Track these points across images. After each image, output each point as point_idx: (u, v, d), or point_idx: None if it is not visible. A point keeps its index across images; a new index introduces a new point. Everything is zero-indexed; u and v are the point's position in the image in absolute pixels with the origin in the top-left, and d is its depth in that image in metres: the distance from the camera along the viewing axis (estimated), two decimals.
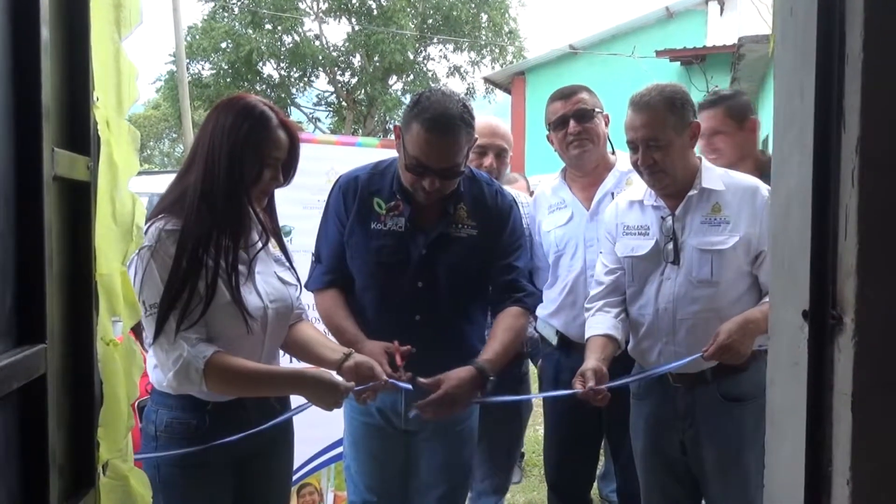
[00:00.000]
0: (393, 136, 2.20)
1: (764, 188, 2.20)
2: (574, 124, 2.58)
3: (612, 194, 2.61)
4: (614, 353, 2.26)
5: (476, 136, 2.25)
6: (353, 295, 2.22)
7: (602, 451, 3.04)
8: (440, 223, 2.16)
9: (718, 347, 2.04)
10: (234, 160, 1.78)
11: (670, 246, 2.22)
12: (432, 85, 21.67)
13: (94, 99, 1.33)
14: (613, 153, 2.73)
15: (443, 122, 1.99)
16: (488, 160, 2.76)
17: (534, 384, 3.29)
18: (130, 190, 1.46)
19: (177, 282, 1.72)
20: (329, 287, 2.21)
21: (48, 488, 1.20)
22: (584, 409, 2.47)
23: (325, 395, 1.84)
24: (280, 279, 1.97)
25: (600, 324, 2.31)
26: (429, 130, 1.99)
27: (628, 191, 2.44)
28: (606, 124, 2.67)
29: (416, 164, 2.03)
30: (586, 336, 2.32)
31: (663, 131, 2.15)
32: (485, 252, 2.20)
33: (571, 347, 2.64)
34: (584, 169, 2.66)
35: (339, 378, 1.89)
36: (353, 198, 2.19)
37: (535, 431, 4.83)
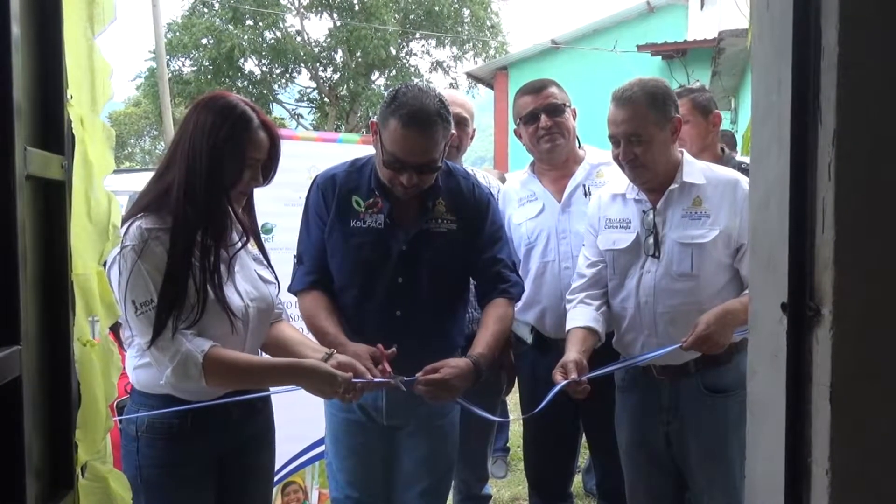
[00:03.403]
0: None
1: (744, 182, 2.21)
2: (545, 118, 2.59)
3: (584, 186, 2.63)
4: (594, 345, 2.27)
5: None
6: (334, 293, 2.21)
7: (586, 446, 3.05)
8: (419, 219, 2.16)
9: (697, 338, 2.05)
10: (214, 160, 1.77)
11: (651, 239, 2.23)
12: (413, 80, 21.65)
13: (68, 97, 1.31)
14: (581, 147, 2.74)
15: (420, 117, 1.98)
16: None
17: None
18: (106, 188, 1.44)
19: (173, 281, 1.72)
20: (312, 288, 2.20)
21: (25, 491, 1.18)
22: (562, 405, 2.48)
23: (322, 385, 1.85)
24: (260, 277, 1.96)
25: (581, 316, 2.32)
26: (406, 126, 1.98)
27: (611, 184, 2.45)
28: (574, 118, 2.68)
29: (393, 160, 2.03)
30: (567, 328, 2.33)
31: (644, 127, 2.16)
32: (466, 246, 2.21)
33: (547, 345, 2.63)
34: (555, 162, 2.67)
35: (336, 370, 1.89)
36: (332, 196, 2.18)
37: (520, 426, 4.84)
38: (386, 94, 2.18)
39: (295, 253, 2.31)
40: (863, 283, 1.01)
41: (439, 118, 2.01)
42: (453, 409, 2.29)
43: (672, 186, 2.23)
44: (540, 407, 2.13)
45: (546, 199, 2.67)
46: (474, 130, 2.92)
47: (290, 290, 2.24)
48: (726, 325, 2.07)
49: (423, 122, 1.99)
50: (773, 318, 1.15)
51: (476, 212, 2.24)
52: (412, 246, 2.14)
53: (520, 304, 2.65)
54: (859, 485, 1.03)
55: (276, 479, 2.83)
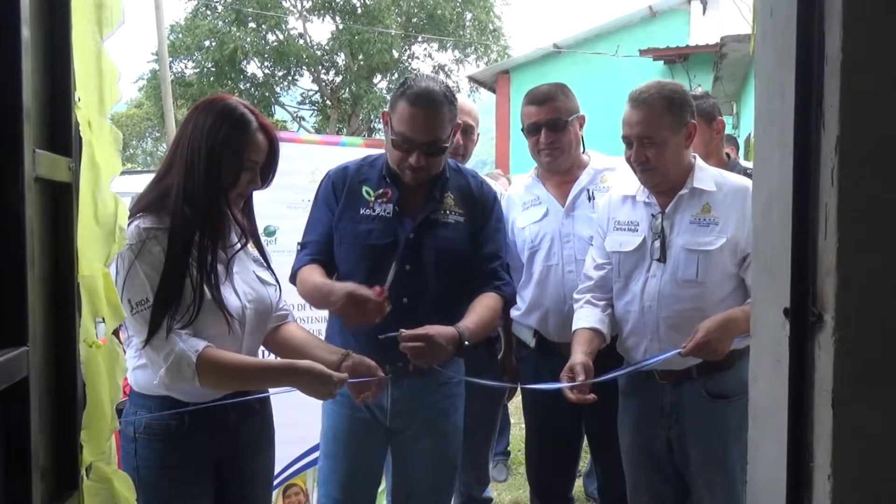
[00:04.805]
0: (378, 136, 2.22)
1: None
2: (545, 133, 2.57)
3: (588, 191, 2.62)
4: (600, 346, 2.28)
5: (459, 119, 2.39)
6: (331, 273, 2.23)
7: (587, 450, 3.05)
8: (427, 207, 2.21)
9: (696, 345, 2.06)
10: (212, 162, 1.79)
11: (657, 244, 2.23)
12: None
13: (76, 99, 1.32)
14: (585, 152, 2.74)
15: (426, 96, 2.10)
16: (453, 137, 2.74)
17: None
18: (113, 191, 1.45)
19: (170, 281, 1.73)
20: (309, 263, 2.21)
21: (31, 492, 1.19)
22: (565, 409, 2.48)
23: (318, 387, 1.85)
24: (259, 279, 1.97)
25: (587, 317, 2.32)
26: (413, 105, 2.09)
27: (622, 185, 2.44)
28: (581, 126, 2.66)
29: (402, 140, 2.11)
30: (573, 328, 2.33)
31: (658, 130, 2.16)
32: (471, 238, 2.25)
33: (550, 349, 2.63)
34: (556, 172, 2.68)
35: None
36: (342, 185, 2.24)
37: (520, 430, 4.84)
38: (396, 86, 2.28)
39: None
40: (865, 289, 1.01)
41: (445, 99, 2.12)
42: (456, 412, 2.30)
43: (682, 191, 2.23)
44: (540, 386, 2.13)
45: (550, 204, 2.67)
46: (479, 135, 2.93)
47: (291, 276, 2.24)
48: (727, 333, 2.07)
49: (430, 101, 2.10)
50: (776, 324, 1.16)
51: (482, 206, 2.31)
52: (419, 234, 2.18)
53: (523, 307, 2.66)
54: (861, 490, 1.03)
55: (277, 481, 2.83)
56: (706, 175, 2.26)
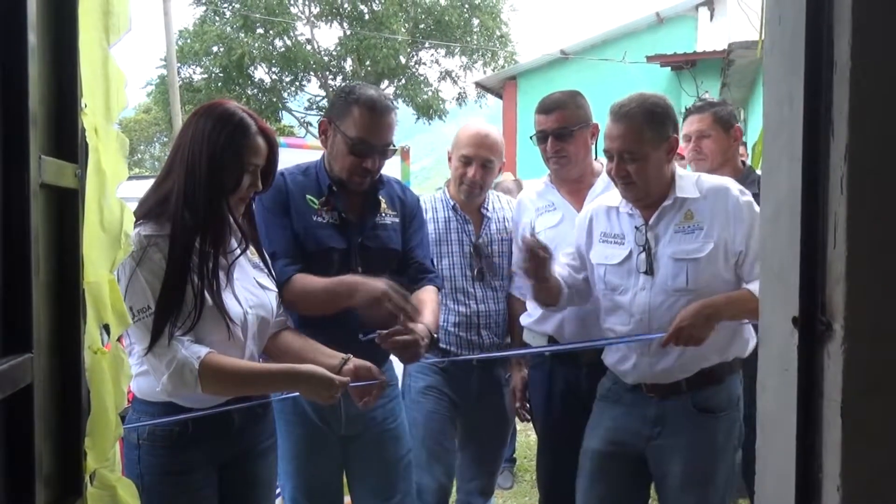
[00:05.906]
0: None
1: (734, 187, 2.19)
2: (552, 142, 2.57)
3: None
4: (553, 281, 2.31)
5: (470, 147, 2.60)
6: None
7: None
8: (369, 213, 2.29)
9: (674, 330, 2.04)
10: (213, 167, 1.79)
11: (643, 256, 2.20)
12: (424, 90, 21.79)
13: (82, 106, 1.32)
14: (597, 159, 2.73)
15: (380, 101, 2.21)
16: (472, 171, 2.70)
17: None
18: (118, 197, 1.45)
19: (171, 288, 1.73)
20: (298, 272, 2.19)
21: (35, 498, 1.18)
22: (576, 415, 2.46)
23: (320, 390, 1.85)
24: (259, 285, 1.97)
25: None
26: (371, 110, 2.18)
27: (605, 196, 2.42)
28: (594, 135, 2.65)
29: (361, 145, 2.17)
30: None
31: (639, 145, 2.13)
32: (403, 235, 2.38)
33: (565, 355, 2.62)
34: (565, 180, 2.67)
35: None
36: (286, 192, 2.24)
37: (526, 437, 4.83)
38: (335, 94, 2.37)
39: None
40: (875, 298, 1.00)
41: (391, 104, 2.27)
42: (401, 413, 2.40)
43: (665, 203, 2.20)
44: (532, 350, 2.19)
45: (566, 210, 2.65)
46: (501, 168, 2.89)
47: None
48: (708, 319, 2.05)
49: (385, 106, 2.21)
50: (784, 333, 1.15)
51: (408, 207, 2.44)
52: (367, 237, 2.27)
53: (536, 314, 2.64)
54: (871, 500, 1.02)
55: (276, 486, 2.82)
56: (687, 183, 2.23)
